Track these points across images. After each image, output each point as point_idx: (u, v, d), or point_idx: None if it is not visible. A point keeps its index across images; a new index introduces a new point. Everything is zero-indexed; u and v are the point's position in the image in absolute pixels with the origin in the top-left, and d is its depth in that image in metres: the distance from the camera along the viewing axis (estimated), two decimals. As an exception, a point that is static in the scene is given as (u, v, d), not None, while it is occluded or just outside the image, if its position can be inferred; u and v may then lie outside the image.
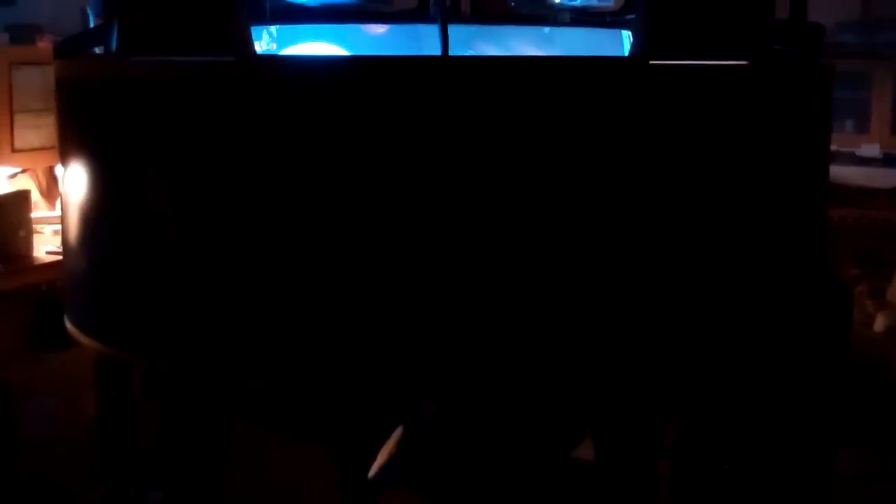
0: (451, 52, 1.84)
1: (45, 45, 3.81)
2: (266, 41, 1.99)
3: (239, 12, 1.61)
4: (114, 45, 1.79)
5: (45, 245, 3.63)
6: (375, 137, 1.55)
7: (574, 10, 2.08)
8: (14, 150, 3.76)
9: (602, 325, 1.62)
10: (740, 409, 2.45)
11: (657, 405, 2.12)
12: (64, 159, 1.95)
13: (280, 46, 1.99)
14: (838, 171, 5.92)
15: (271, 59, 1.67)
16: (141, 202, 1.78)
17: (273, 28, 1.99)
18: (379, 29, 1.95)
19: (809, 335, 1.92)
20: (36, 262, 3.39)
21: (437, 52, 1.78)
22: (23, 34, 3.87)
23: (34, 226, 3.51)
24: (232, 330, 1.68)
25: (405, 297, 1.59)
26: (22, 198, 3.36)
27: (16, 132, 3.77)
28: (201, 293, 1.71)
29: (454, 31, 1.95)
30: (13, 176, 3.76)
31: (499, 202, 1.57)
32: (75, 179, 1.88)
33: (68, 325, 1.98)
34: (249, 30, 1.63)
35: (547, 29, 2.00)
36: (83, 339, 1.93)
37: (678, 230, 1.66)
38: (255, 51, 1.64)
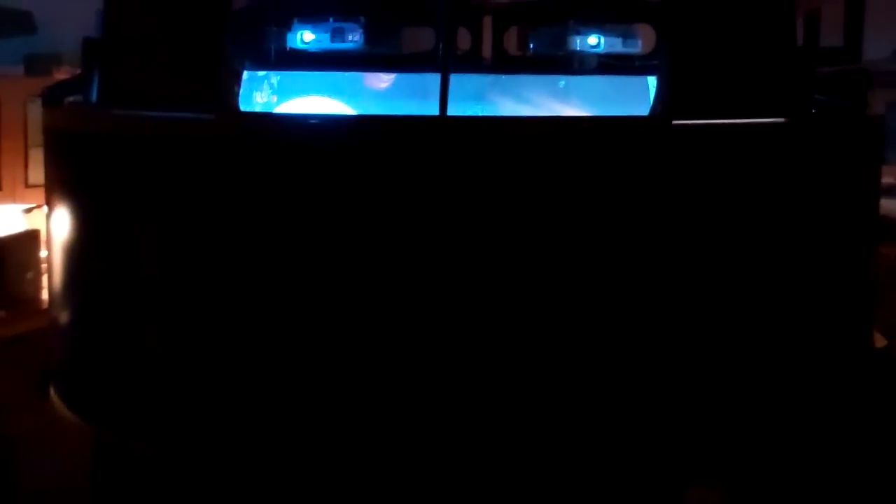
0: (460, 106, 1.70)
1: (62, 76, 3.71)
2: (267, 92, 1.87)
3: (221, 67, 1.50)
4: (94, 96, 1.69)
5: (57, 286, 3.50)
6: (359, 203, 1.43)
7: (600, 55, 1.93)
8: (28, 186, 3.67)
9: (627, 402, 1.49)
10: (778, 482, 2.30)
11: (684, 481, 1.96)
12: (49, 209, 1.86)
13: (280, 98, 1.87)
14: (891, 206, 5.74)
15: (253, 117, 1.57)
16: (120, 264, 1.67)
17: (275, 79, 1.87)
18: (383, 81, 1.82)
19: (853, 405, 1.77)
20: (44, 307, 3.26)
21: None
22: (39, 65, 3.76)
23: (43, 266, 3.40)
24: (222, 412, 1.56)
25: (417, 386, 1.45)
26: (30, 238, 3.24)
27: (30, 167, 3.69)
28: (189, 369, 1.59)
29: (466, 80, 1.82)
30: (28, 211, 3.66)
31: (511, 278, 1.44)
32: (57, 233, 1.79)
33: (53, 395, 1.87)
34: (232, 85, 1.53)
35: (566, 78, 1.85)
36: (67, 413, 1.82)
37: (710, 302, 1.52)
38: (237, 107, 1.52)
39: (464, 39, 2.12)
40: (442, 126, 1.46)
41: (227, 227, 1.51)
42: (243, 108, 1.81)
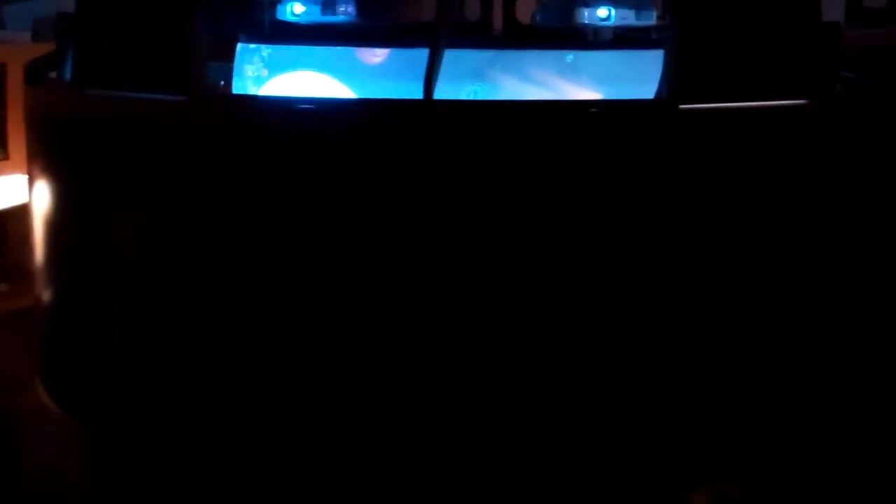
0: (455, 86, 1.59)
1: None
2: (258, 65, 1.77)
3: (191, 50, 1.40)
4: (67, 74, 1.60)
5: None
6: (331, 194, 1.34)
7: (613, 28, 1.81)
8: (35, 155, 3.57)
9: (630, 403, 1.40)
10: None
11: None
12: (29, 186, 1.79)
13: (272, 72, 1.77)
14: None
15: (222, 100, 1.48)
16: (94, 252, 1.59)
17: (266, 52, 1.77)
18: (377, 55, 1.71)
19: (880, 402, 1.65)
20: (48, 279, 3.20)
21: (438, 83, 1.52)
22: (46, 30, 3.65)
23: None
24: (207, 412, 1.48)
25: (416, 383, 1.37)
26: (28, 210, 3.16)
27: (37, 135, 3.59)
28: (168, 365, 1.51)
29: (465, 56, 1.70)
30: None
31: (508, 273, 1.34)
32: (36, 213, 1.76)
33: (40, 388, 1.81)
34: (203, 68, 1.43)
35: (575, 53, 1.73)
36: (52, 405, 1.75)
37: (721, 297, 1.41)
38: (205, 91, 1.43)
39: (473, 8, 2.01)
40: (427, 111, 1.35)
41: (200, 214, 1.44)
42: (235, 81, 1.73)
